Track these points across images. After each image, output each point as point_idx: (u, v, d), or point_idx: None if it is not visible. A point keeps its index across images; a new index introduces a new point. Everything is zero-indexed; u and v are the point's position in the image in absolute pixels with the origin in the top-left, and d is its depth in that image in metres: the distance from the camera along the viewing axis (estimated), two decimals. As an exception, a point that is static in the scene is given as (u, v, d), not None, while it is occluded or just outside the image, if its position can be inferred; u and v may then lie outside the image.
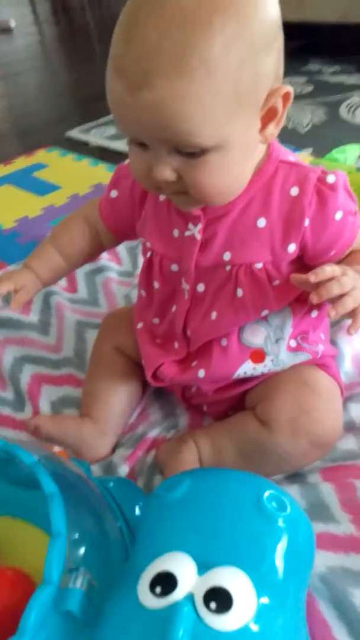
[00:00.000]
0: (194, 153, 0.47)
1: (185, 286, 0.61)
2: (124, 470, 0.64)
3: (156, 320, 0.67)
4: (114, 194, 0.66)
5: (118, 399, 0.71)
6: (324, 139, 1.46)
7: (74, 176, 1.41)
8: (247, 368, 0.62)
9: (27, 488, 0.58)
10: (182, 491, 0.45)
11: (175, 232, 0.60)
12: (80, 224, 0.70)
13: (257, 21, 0.44)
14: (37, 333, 0.88)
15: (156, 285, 0.64)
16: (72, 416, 0.71)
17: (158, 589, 0.38)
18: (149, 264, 0.64)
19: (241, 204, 0.55)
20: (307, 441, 0.58)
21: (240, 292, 0.58)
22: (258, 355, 0.61)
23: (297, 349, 0.63)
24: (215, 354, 0.62)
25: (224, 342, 0.61)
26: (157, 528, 0.44)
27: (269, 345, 0.61)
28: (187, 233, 0.58)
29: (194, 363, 0.63)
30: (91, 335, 0.86)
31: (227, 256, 0.57)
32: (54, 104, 2.12)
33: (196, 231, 0.57)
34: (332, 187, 0.54)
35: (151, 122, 0.45)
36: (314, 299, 0.49)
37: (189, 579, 0.39)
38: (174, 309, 0.64)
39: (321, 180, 0.54)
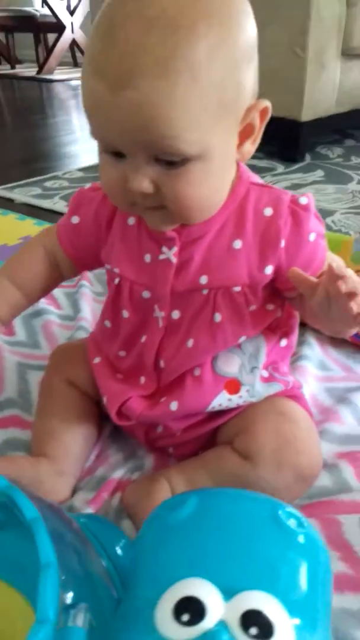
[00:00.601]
0: (174, 163, 0.46)
1: (159, 314, 0.58)
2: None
3: (122, 353, 0.62)
4: (75, 219, 0.62)
5: (74, 438, 0.64)
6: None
7: (1, 228, 1.36)
8: (222, 399, 0.58)
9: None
10: (188, 510, 0.40)
11: (147, 257, 0.57)
12: (38, 253, 0.65)
13: (239, 33, 0.45)
14: (-27, 375, 0.80)
15: (125, 314, 0.60)
16: (25, 456, 0.63)
17: (185, 617, 0.32)
18: (116, 291, 0.60)
19: (216, 226, 0.54)
20: (291, 474, 0.55)
21: (218, 317, 0.55)
22: (233, 386, 0.59)
23: (270, 379, 0.61)
24: (188, 384, 0.58)
25: (197, 371, 0.58)
26: (163, 553, 0.38)
27: (244, 375, 0.59)
28: (161, 257, 0.56)
29: (163, 399, 0.59)
30: (34, 377, 0.80)
31: (204, 280, 0.55)
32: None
33: (171, 254, 0.55)
34: (306, 208, 0.54)
35: (134, 124, 0.44)
36: (342, 287, 0.46)
37: (217, 605, 0.33)
38: (143, 339, 0.60)
39: (294, 201, 0.54)
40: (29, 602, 0.46)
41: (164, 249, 0.55)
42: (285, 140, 2.00)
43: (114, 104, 0.43)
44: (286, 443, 0.56)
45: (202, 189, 0.48)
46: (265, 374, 0.60)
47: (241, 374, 0.58)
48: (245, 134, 0.50)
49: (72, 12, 4.03)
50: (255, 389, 0.59)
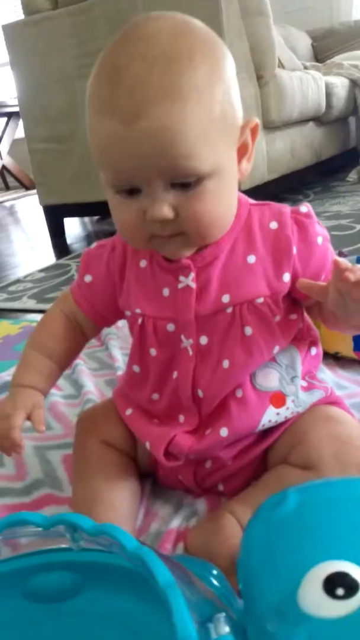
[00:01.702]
0: (189, 184, 0.48)
1: (187, 342, 0.58)
2: (160, 564, 0.53)
3: (155, 396, 0.61)
4: (88, 278, 0.63)
5: (120, 497, 0.60)
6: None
7: (-23, 333, 1.34)
8: (271, 415, 0.58)
9: (53, 601, 0.45)
10: (292, 504, 0.38)
11: (165, 291, 0.58)
12: (59, 320, 0.65)
13: (225, 59, 0.50)
14: (-9, 466, 0.75)
15: (153, 352, 0.60)
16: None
17: (340, 591, 0.30)
18: (140, 332, 0.60)
19: (227, 247, 0.56)
20: (357, 472, 0.54)
21: (249, 331, 0.56)
22: (278, 399, 0.58)
23: (310, 387, 0.61)
24: (233, 408, 0.57)
25: (239, 393, 0.57)
26: (281, 549, 0.36)
27: (286, 386, 0.58)
28: (180, 285, 0.57)
29: (209, 431, 0.58)
30: (55, 456, 0.76)
31: (226, 298, 0.56)
32: None
33: (189, 280, 0.56)
34: (308, 216, 0.57)
35: (150, 151, 0.46)
36: (351, 276, 0.46)
37: (363, 577, 0.31)
38: (175, 375, 0.59)
39: (295, 211, 0.57)
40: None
41: (181, 277, 0.56)
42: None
43: (129, 136, 0.46)
44: (344, 444, 0.55)
45: (218, 205, 0.51)
46: (304, 383, 0.60)
47: (283, 385, 0.58)
48: (241, 152, 0.53)
49: (-2, 141, 4.24)
50: (299, 398, 0.58)
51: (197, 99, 0.46)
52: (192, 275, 0.56)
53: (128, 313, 0.61)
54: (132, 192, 0.50)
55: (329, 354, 0.90)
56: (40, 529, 0.40)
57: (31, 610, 0.44)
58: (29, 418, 0.58)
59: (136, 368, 0.62)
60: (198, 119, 0.46)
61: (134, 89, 0.45)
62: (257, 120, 0.53)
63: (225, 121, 0.49)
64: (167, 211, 0.49)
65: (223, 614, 0.32)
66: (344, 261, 0.48)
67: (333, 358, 0.90)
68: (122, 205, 0.51)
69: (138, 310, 0.59)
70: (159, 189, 0.48)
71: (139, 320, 0.60)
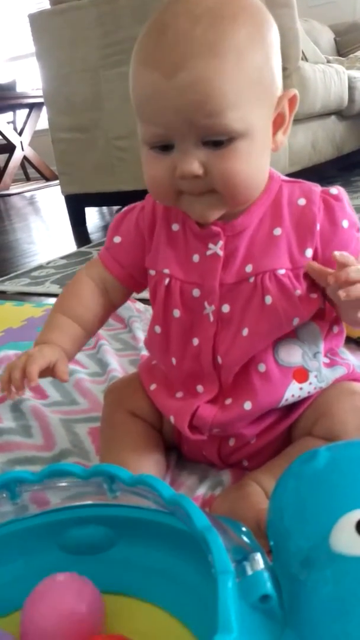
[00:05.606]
0: (221, 143, 0.50)
1: (210, 308, 0.59)
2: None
3: (174, 361, 0.62)
4: (117, 239, 0.65)
5: (148, 467, 0.62)
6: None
7: (2, 315, 1.37)
8: (294, 390, 0.59)
9: (88, 553, 0.48)
10: (324, 461, 0.39)
11: (195, 257, 0.59)
12: (87, 285, 0.66)
13: (268, 26, 0.52)
14: (20, 436, 0.78)
15: (177, 313, 0.60)
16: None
17: (371, 532, 0.32)
18: (166, 292, 0.61)
19: (256, 219, 0.57)
20: (380, 444, 0.55)
21: (269, 299, 0.56)
22: (301, 374, 0.59)
23: (332, 364, 0.62)
24: (256, 382, 0.58)
25: (262, 367, 0.58)
26: (314, 499, 0.37)
27: (309, 361, 0.60)
28: (208, 252, 0.58)
29: (229, 400, 0.59)
30: (82, 429, 0.78)
31: (249, 268, 0.57)
32: None
33: (218, 248, 0.58)
34: (337, 198, 0.58)
35: (188, 102, 0.48)
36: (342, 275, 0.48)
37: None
38: (195, 342, 0.60)
39: (325, 192, 0.58)
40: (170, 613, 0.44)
41: (211, 245, 0.58)
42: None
43: (169, 87, 0.48)
44: (367, 417, 0.56)
45: (247, 166, 0.52)
46: (327, 359, 0.61)
47: (305, 361, 0.59)
48: (277, 124, 0.54)
49: (20, 133, 4.27)
50: (322, 373, 0.60)
51: (237, 58, 0.47)
52: (221, 243, 0.57)
53: (152, 272, 0.62)
54: (165, 148, 0.51)
55: (352, 338, 0.91)
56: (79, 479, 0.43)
57: (68, 559, 0.46)
58: (52, 371, 0.58)
59: (158, 329, 0.63)
60: (235, 77, 0.48)
61: (177, 43, 0.47)
62: (295, 91, 0.54)
63: (262, 86, 0.50)
64: (196, 167, 0.50)
65: (258, 554, 0.34)
66: (347, 256, 0.50)
67: (355, 342, 0.91)
68: (154, 160, 0.53)
69: (166, 271, 0.60)
70: (190, 144, 0.50)
71: (166, 281, 0.60)
